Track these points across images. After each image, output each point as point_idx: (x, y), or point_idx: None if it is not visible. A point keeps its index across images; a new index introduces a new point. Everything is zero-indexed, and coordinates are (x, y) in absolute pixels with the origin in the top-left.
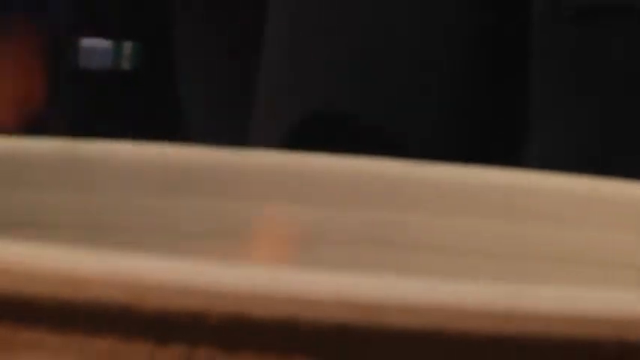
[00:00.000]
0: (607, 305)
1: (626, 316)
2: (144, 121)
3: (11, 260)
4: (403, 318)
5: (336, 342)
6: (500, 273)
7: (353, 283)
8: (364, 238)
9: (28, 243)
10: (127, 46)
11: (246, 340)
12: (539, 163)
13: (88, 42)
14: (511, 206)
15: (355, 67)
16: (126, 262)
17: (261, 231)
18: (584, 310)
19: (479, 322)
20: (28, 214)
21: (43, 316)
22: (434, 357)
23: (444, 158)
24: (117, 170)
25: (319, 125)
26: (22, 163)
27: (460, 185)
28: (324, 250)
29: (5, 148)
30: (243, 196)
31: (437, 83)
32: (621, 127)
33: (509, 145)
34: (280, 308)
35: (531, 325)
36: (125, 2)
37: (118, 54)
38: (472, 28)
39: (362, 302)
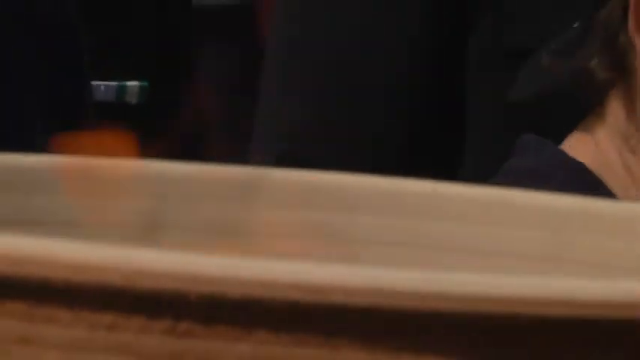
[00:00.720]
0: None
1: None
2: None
3: (33, 251)
4: (344, 297)
5: (288, 318)
6: (428, 262)
7: (303, 269)
8: (316, 234)
9: (47, 239)
10: (132, 85)
11: (220, 315)
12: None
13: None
14: (438, 208)
15: (326, 99)
16: (122, 252)
17: (239, 228)
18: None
19: (407, 301)
20: (18, 214)
21: (57, 295)
22: (373, 329)
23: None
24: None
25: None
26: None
27: (398, 191)
28: (285, 243)
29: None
30: (227, 201)
31: (396, 97)
32: None
33: (449, 161)
34: (246, 290)
35: (444, 303)
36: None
37: (122, 91)
38: (429, 51)
39: (310, 284)
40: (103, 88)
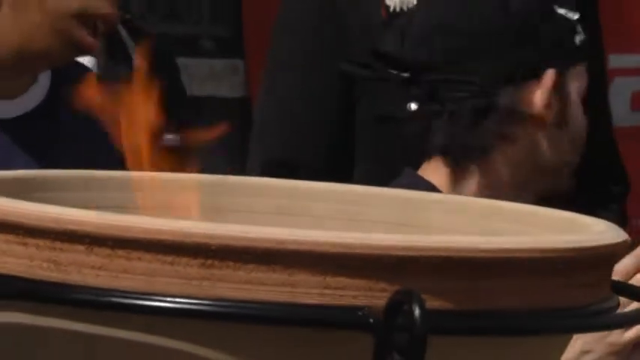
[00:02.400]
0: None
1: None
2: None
3: (116, 221)
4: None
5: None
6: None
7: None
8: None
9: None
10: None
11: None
12: None
13: None
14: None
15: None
16: (163, 222)
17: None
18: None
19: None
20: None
21: (128, 248)
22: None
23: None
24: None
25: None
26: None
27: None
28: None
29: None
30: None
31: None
32: None
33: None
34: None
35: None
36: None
37: None
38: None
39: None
40: None
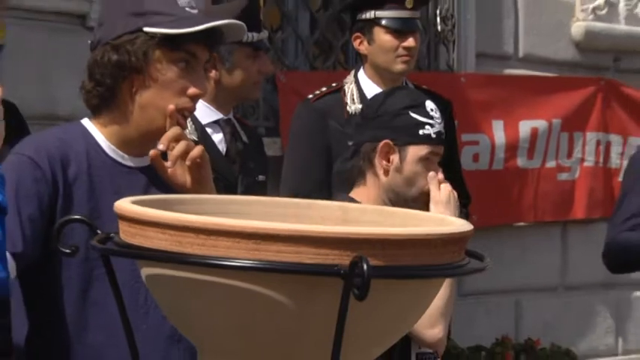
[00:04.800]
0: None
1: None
2: None
3: (209, 221)
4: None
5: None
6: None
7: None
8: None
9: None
10: None
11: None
12: None
13: None
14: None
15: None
16: (233, 221)
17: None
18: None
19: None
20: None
21: (216, 235)
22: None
23: None
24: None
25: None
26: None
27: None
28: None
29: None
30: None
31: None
32: None
33: None
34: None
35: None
36: None
37: None
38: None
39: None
40: None
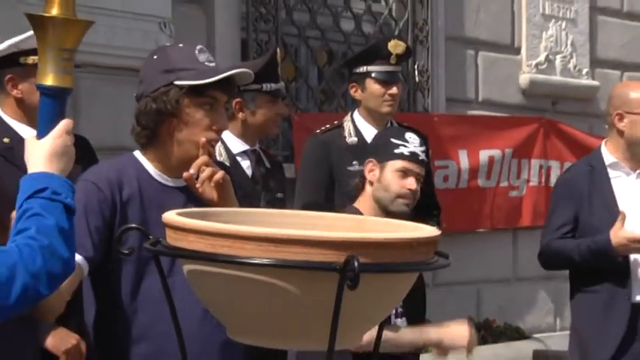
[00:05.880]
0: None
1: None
2: None
3: (235, 229)
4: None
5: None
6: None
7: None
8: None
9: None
10: None
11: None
12: None
13: None
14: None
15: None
16: (254, 228)
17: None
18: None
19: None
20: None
21: (241, 239)
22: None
23: None
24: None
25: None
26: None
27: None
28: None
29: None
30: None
31: None
32: None
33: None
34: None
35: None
36: None
37: None
38: None
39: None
40: None
